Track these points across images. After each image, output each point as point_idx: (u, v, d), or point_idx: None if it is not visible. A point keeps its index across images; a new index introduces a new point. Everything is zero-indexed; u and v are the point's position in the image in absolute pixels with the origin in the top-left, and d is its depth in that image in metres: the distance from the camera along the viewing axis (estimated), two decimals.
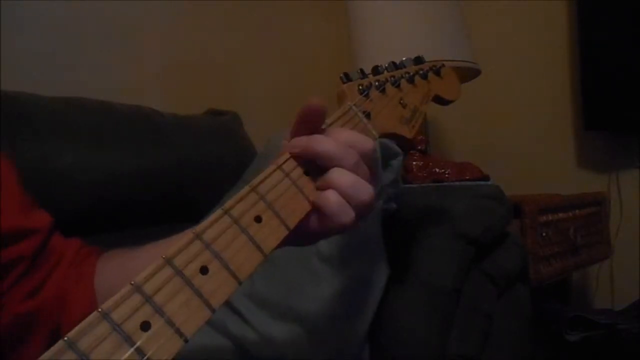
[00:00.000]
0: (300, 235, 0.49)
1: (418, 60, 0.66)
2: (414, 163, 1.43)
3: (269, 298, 0.89)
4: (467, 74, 1.45)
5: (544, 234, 1.34)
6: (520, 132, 1.92)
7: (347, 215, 0.47)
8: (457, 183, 1.32)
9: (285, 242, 0.46)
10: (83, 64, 1.28)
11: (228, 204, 0.42)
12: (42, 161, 0.94)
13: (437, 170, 1.42)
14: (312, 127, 0.49)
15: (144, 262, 0.37)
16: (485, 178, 1.38)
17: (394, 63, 0.62)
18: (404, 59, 0.64)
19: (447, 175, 1.41)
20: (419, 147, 1.45)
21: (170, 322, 0.36)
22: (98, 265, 0.62)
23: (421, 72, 0.65)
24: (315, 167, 0.48)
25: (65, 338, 0.33)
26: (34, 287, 0.58)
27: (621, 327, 1.38)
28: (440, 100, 0.70)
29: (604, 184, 1.79)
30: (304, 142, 0.47)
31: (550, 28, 1.86)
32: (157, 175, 1.08)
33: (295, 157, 0.48)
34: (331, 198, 0.47)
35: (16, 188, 0.61)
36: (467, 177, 1.38)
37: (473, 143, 1.96)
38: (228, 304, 0.78)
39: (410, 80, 0.63)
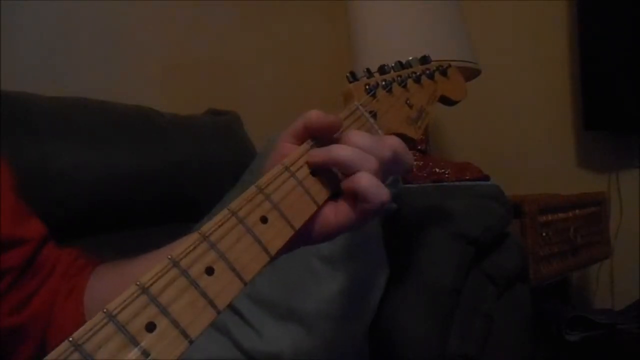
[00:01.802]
0: (308, 236, 0.48)
1: (424, 59, 0.66)
2: (414, 163, 1.43)
3: (270, 298, 0.89)
4: (467, 73, 1.45)
5: (544, 234, 1.34)
6: (520, 132, 1.92)
7: (382, 193, 0.46)
8: (457, 183, 1.32)
9: (293, 245, 0.46)
10: (83, 64, 1.27)
11: (234, 204, 0.42)
12: (42, 161, 0.94)
13: (437, 170, 1.41)
14: (327, 138, 0.49)
15: (138, 274, 0.37)
16: (485, 178, 1.38)
17: (400, 62, 0.62)
18: (410, 58, 0.64)
19: (447, 175, 1.40)
20: (419, 147, 1.45)
21: (175, 323, 0.36)
22: (91, 278, 0.61)
23: (428, 72, 0.65)
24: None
25: (70, 338, 0.32)
26: (22, 300, 0.57)
27: (621, 327, 1.38)
28: (446, 101, 0.69)
29: (604, 184, 1.79)
30: (324, 153, 0.47)
31: (550, 28, 1.86)
32: (157, 175, 1.08)
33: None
34: (364, 178, 0.46)
35: (10, 195, 0.59)
36: (467, 177, 1.38)
37: (473, 143, 1.96)
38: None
39: (417, 80, 0.63)
